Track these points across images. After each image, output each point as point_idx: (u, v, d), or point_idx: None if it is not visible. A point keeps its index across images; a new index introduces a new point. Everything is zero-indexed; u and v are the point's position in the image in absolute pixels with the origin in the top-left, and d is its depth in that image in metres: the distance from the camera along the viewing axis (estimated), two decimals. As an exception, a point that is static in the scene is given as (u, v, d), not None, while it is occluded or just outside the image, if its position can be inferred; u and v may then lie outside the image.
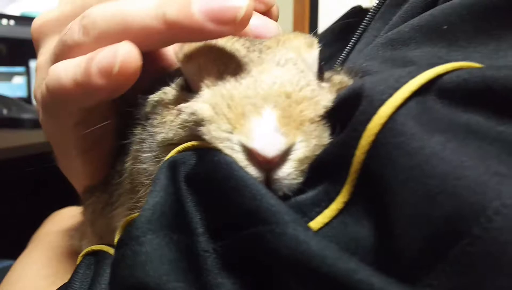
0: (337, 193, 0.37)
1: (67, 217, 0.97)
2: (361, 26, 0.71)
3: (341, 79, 0.48)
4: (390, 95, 0.35)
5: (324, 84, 0.47)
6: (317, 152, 0.40)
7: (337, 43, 0.82)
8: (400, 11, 0.58)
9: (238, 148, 0.39)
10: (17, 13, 2.36)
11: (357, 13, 0.91)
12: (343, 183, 0.37)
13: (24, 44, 2.29)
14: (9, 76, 2.37)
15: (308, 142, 0.40)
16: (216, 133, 0.40)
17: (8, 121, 1.81)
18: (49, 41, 0.52)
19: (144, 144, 0.47)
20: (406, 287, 0.30)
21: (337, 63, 0.72)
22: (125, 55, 0.41)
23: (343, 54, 0.71)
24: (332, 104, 0.43)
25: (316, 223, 0.37)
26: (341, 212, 0.37)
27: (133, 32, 0.42)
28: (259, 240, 0.33)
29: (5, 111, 1.84)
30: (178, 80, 0.49)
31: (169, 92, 0.48)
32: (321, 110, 0.42)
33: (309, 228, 0.33)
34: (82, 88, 0.43)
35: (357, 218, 0.36)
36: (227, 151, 0.39)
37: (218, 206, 0.38)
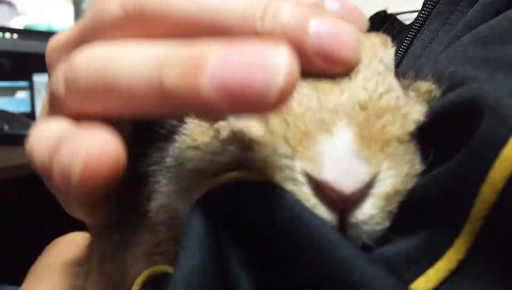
0: (446, 246, 0.27)
1: (71, 246, 0.86)
2: (414, 28, 0.61)
3: (429, 87, 0.37)
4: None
5: (411, 92, 0.36)
6: (410, 185, 0.29)
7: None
8: (476, 5, 0.47)
9: (302, 179, 0.28)
10: (20, 26, 2.28)
11: (381, 19, 0.81)
12: (457, 233, 0.26)
13: (27, 58, 2.21)
14: (12, 91, 2.29)
15: (398, 169, 0.29)
16: (272, 159, 0.29)
17: (10, 137, 1.72)
18: (55, 70, 0.39)
19: (168, 173, 0.36)
20: None
21: None
22: (92, 155, 0.27)
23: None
24: (424, 118, 0.32)
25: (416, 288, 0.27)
26: (454, 274, 0.26)
27: (120, 96, 0.29)
28: None
29: (6, 127, 1.75)
30: None
31: None
32: (411, 126, 0.31)
33: None
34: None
35: (478, 283, 0.25)
36: (287, 184, 0.28)
37: (281, 272, 0.27)
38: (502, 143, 0.24)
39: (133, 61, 0.28)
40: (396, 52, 0.61)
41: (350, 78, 0.32)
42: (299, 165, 0.28)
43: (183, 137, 0.36)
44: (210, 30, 0.28)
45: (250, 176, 0.30)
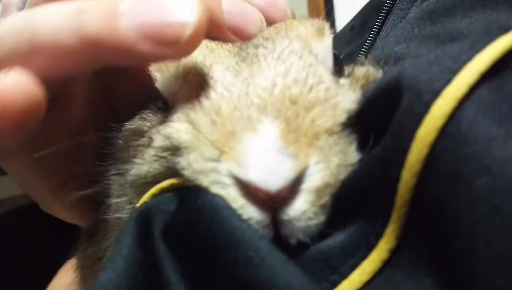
0: (378, 236, 0.25)
1: None
2: (385, 7, 0.59)
3: (366, 71, 0.35)
4: (448, 81, 0.22)
5: (343, 80, 0.34)
6: (343, 176, 0.28)
7: (358, 41, 0.69)
8: None
9: (228, 181, 0.27)
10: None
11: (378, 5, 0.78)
12: (386, 221, 0.25)
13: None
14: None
15: (328, 162, 0.28)
16: (198, 164, 0.28)
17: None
18: None
19: (116, 186, 0.36)
20: None
21: (360, 56, 0.59)
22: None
23: (366, 43, 0.59)
24: (357, 105, 0.30)
25: (351, 284, 0.25)
26: (387, 265, 0.25)
27: (44, 52, 0.29)
28: None
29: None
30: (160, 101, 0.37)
31: (148, 117, 0.37)
32: (342, 116, 0.29)
33: None
34: None
35: (412, 272, 0.24)
36: (215, 188, 0.27)
37: (208, 275, 0.26)
38: (418, 122, 0.23)
39: (53, 16, 0.29)
40: (369, 34, 0.59)
41: (282, 71, 0.31)
42: (224, 167, 0.27)
43: (127, 148, 0.35)
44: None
45: (183, 182, 0.29)
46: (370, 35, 0.59)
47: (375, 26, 0.59)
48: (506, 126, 0.21)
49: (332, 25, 0.39)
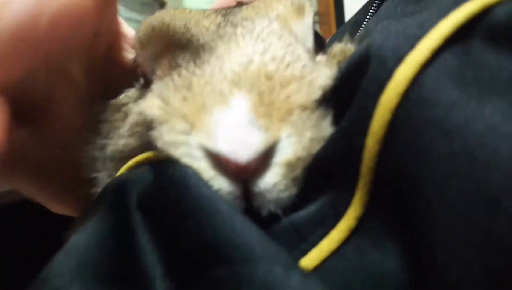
0: (346, 205, 0.25)
1: None
2: (373, 7, 0.59)
3: (342, 47, 0.35)
4: (411, 47, 0.22)
5: (319, 58, 0.34)
6: (316, 149, 0.28)
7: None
8: None
9: (199, 153, 0.27)
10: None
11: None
12: (353, 189, 0.25)
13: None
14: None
15: (300, 136, 0.28)
16: (169, 137, 0.28)
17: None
18: None
19: (97, 162, 0.36)
20: None
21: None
22: None
23: (360, 29, 0.59)
24: (332, 81, 0.30)
25: (319, 252, 0.25)
26: (354, 233, 0.25)
27: None
28: (219, 286, 0.21)
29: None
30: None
31: (131, 94, 0.37)
32: (316, 92, 0.29)
33: (293, 268, 0.21)
34: None
35: (379, 241, 0.24)
36: (186, 159, 0.27)
37: (177, 241, 0.26)
38: (381, 89, 0.23)
39: None
40: (366, 14, 0.59)
41: (261, 50, 0.31)
42: (195, 139, 0.27)
43: (105, 124, 0.36)
44: None
45: (157, 156, 0.30)
46: (365, 20, 0.59)
47: (371, 10, 0.59)
48: (468, 91, 0.21)
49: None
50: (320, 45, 0.36)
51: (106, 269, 0.25)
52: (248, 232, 0.23)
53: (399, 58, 0.22)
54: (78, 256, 0.25)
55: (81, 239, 0.25)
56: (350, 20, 0.85)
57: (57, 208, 0.45)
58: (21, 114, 0.32)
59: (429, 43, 0.22)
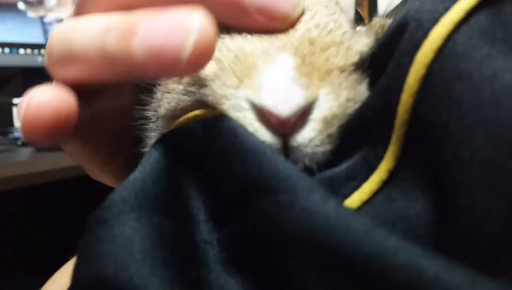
0: (379, 159, 0.27)
1: None
2: None
3: (381, 20, 0.37)
4: (447, 9, 0.24)
5: (359, 28, 0.37)
6: (351, 110, 0.30)
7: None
8: None
9: (245, 105, 0.30)
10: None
11: None
12: (386, 144, 0.27)
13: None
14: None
15: (337, 94, 0.30)
16: (220, 90, 0.31)
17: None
18: None
19: (150, 124, 0.39)
20: (489, 281, 0.19)
21: None
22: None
23: None
24: (370, 49, 0.32)
25: (352, 202, 0.27)
26: (386, 184, 0.27)
27: (79, 62, 0.33)
28: (263, 217, 0.24)
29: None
30: None
31: None
32: (354, 57, 0.32)
33: (329, 196, 0.23)
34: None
35: (407, 189, 0.26)
36: (233, 111, 0.30)
37: (222, 182, 0.28)
38: (417, 47, 0.25)
39: (86, 31, 0.32)
40: None
41: (308, 18, 0.34)
42: (243, 93, 0.30)
43: (160, 86, 0.39)
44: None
45: (209, 112, 0.32)
46: None
47: None
48: (497, 48, 0.23)
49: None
50: (359, 20, 0.38)
51: (160, 203, 0.28)
52: (290, 169, 0.25)
53: (435, 20, 0.24)
54: (137, 188, 0.27)
55: (138, 176, 0.28)
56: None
57: (100, 178, 0.49)
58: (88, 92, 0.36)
59: (463, 4, 0.24)
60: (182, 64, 0.27)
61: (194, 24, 0.27)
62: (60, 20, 1.96)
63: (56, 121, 0.31)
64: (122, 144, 0.44)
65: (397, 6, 0.37)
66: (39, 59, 1.91)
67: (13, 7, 1.89)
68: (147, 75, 0.32)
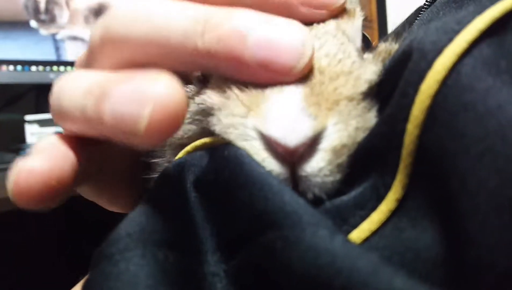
0: (387, 187, 0.27)
1: None
2: (423, 10, 0.60)
3: (387, 46, 0.37)
4: (450, 40, 0.24)
5: (366, 55, 0.37)
6: (360, 138, 0.30)
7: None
8: None
9: (253, 134, 0.30)
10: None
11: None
12: (394, 172, 0.27)
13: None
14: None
15: (346, 124, 0.30)
16: (227, 120, 0.31)
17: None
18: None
19: (158, 152, 0.39)
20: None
21: None
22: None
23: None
24: (378, 76, 0.33)
25: (360, 232, 0.27)
26: (394, 214, 0.27)
27: (68, 120, 0.32)
28: (268, 252, 0.24)
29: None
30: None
31: (190, 89, 0.41)
32: (363, 86, 0.32)
33: (337, 233, 0.23)
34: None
35: (416, 219, 0.26)
36: (240, 140, 0.30)
37: (228, 213, 0.29)
38: (422, 78, 0.25)
39: (72, 92, 0.32)
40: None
41: (317, 47, 0.34)
42: (250, 122, 0.30)
43: None
44: (160, 51, 0.31)
45: (215, 140, 0.33)
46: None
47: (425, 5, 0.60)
48: (501, 78, 0.23)
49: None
50: (366, 45, 0.38)
51: (166, 237, 0.28)
52: (296, 203, 0.25)
53: (438, 51, 0.25)
54: (142, 223, 0.28)
55: (143, 208, 0.29)
56: (402, 23, 0.87)
57: (112, 208, 0.48)
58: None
59: (466, 36, 0.24)
60: (139, 134, 0.26)
61: (153, 92, 0.26)
62: (71, 37, 1.99)
63: (47, 189, 0.31)
64: (135, 177, 0.44)
65: (404, 24, 0.37)
66: (51, 76, 1.93)
67: (25, 25, 1.92)
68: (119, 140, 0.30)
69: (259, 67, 0.29)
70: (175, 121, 0.27)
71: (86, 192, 0.42)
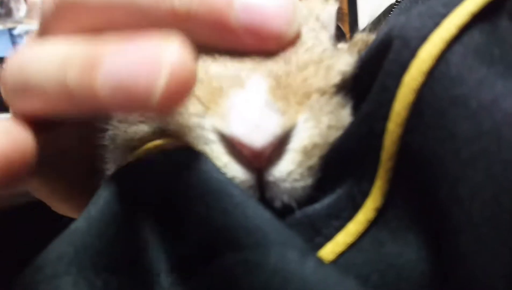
0: (364, 194, 0.24)
1: None
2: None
3: (363, 36, 0.34)
4: (436, 24, 0.21)
5: (340, 45, 0.33)
6: (333, 138, 0.27)
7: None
8: None
9: (212, 137, 0.26)
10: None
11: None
12: (372, 178, 0.23)
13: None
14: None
15: (318, 121, 0.26)
16: (183, 120, 0.27)
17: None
18: None
19: (108, 154, 0.35)
20: None
21: None
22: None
23: None
24: (352, 68, 0.29)
25: (335, 245, 0.24)
26: (372, 225, 0.23)
27: (35, 95, 0.28)
28: (227, 277, 0.20)
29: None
30: None
31: None
32: (335, 78, 0.28)
33: (309, 254, 0.20)
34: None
35: (398, 231, 0.23)
36: (199, 144, 0.26)
37: (184, 230, 0.25)
38: (404, 69, 0.21)
39: (44, 61, 0.28)
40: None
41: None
42: (209, 122, 0.26)
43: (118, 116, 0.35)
44: (127, 15, 0.28)
45: (170, 143, 0.29)
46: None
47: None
48: (495, 68, 0.20)
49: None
50: (340, 37, 0.35)
51: (106, 258, 0.24)
52: (260, 217, 0.21)
53: (423, 37, 0.21)
54: (77, 242, 0.24)
55: (81, 225, 0.24)
56: (378, 16, 0.85)
57: (67, 209, 0.44)
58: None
59: (455, 20, 0.21)
60: (153, 103, 0.23)
61: (167, 56, 0.23)
62: (30, 32, 1.90)
63: (8, 171, 0.27)
64: (90, 176, 0.40)
65: (379, 17, 0.34)
66: (8, 72, 1.85)
67: (-20, 20, 1.83)
68: (113, 111, 0.28)
69: (245, 33, 0.26)
70: (189, 86, 0.24)
71: (37, 187, 0.38)
